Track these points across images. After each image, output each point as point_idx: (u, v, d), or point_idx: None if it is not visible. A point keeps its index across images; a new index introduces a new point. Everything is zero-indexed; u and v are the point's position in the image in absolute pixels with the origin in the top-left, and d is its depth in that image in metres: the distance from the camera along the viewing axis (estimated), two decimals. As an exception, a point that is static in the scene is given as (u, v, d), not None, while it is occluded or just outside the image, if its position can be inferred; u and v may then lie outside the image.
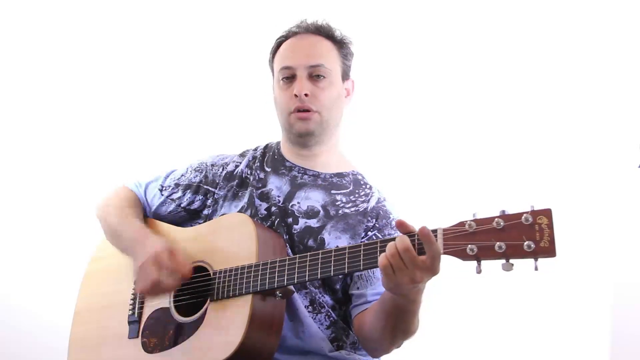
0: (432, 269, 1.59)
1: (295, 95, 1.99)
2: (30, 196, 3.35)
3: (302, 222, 1.99)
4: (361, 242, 1.94)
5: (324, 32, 2.06)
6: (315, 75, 2.01)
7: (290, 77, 2.02)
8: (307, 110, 1.99)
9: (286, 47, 2.07)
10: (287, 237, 1.98)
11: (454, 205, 2.89)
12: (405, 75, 3.25)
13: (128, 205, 2.14)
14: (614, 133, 3.05)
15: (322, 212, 2.00)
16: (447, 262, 1.60)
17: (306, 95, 1.98)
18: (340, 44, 2.08)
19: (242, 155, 2.18)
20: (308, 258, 1.78)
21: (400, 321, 1.77)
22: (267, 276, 1.80)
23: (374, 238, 1.96)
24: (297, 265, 1.78)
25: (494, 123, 3.18)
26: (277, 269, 1.80)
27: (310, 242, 1.96)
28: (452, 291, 2.86)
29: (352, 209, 2.01)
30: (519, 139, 3.14)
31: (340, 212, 2.00)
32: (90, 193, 2.40)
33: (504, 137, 3.16)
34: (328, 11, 2.17)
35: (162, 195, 2.17)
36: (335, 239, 1.96)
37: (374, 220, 1.99)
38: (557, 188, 3.02)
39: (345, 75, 2.08)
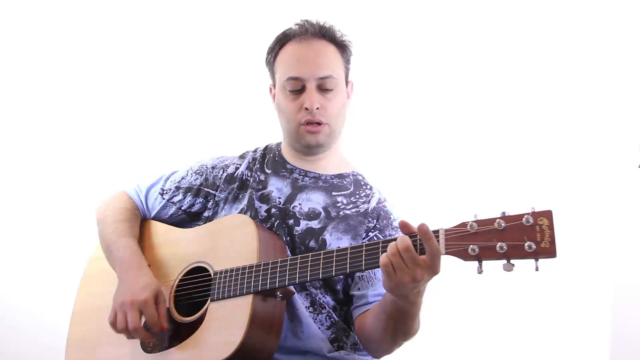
0: (432, 267, 1.59)
1: (306, 108, 1.97)
2: (30, 196, 3.35)
3: (304, 224, 1.99)
4: (362, 242, 1.95)
5: (327, 35, 2.03)
6: (324, 87, 1.99)
7: (299, 88, 1.99)
8: (318, 124, 1.98)
9: (292, 55, 2.02)
10: (289, 238, 1.98)
11: (455, 206, 2.89)
12: (407, 76, 3.25)
13: (124, 219, 2.12)
14: (614, 133, 3.05)
15: (323, 213, 2.00)
16: (449, 263, 1.60)
17: (317, 108, 1.97)
18: (343, 48, 2.05)
19: (242, 157, 2.18)
20: (310, 258, 1.77)
21: (401, 323, 1.77)
22: (268, 276, 1.80)
23: (375, 239, 1.96)
24: (298, 265, 1.78)
25: (494, 124, 3.18)
26: (278, 269, 1.80)
27: (312, 244, 1.96)
28: (454, 291, 2.86)
29: (353, 210, 2.01)
30: (520, 140, 3.14)
31: (341, 213, 2.00)
32: (90, 194, 2.40)
33: (504, 138, 3.16)
34: (326, 11, 2.16)
35: (164, 198, 2.16)
36: (336, 240, 1.96)
37: (375, 221, 1.99)
38: (557, 188, 3.02)
39: (346, 79, 2.07)
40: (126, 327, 1.87)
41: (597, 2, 3.13)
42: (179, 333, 1.89)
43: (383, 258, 1.61)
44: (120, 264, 2.00)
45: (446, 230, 1.57)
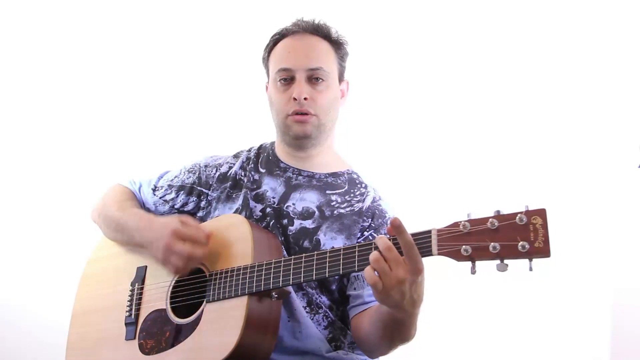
0: (412, 262, 1.55)
1: (294, 99, 1.97)
2: (30, 197, 3.36)
3: (297, 223, 1.98)
4: (357, 242, 1.94)
5: (321, 32, 2.05)
6: (314, 78, 2.00)
7: (288, 79, 2.01)
8: (306, 114, 1.98)
9: (284, 48, 2.05)
10: (283, 238, 1.97)
11: (448, 206, 2.89)
12: (401, 75, 3.25)
13: (126, 199, 2.14)
14: (614, 133, 3.04)
15: (317, 212, 1.99)
16: (444, 263, 1.59)
17: (305, 99, 1.97)
18: (337, 45, 2.07)
19: (236, 156, 2.18)
20: (303, 259, 1.76)
21: (397, 331, 1.76)
22: (263, 277, 1.79)
23: (370, 238, 1.95)
24: (292, 266, 1.77)
25: (490, 123, 3.17)
26: (272, 270, 1.79)
27: (306, 243, 1.95)
28: (452, 292, 2.86)
29: (348, 209, 2.00)
30: (517, 140, 3.13)
31: (335, 212, 1.99)
32: (89, 194, 2.41)
33: (501, 138, 3.15)
34: (323, 11, 2.16)
35: (155, 195, 2.17)
36: (330, 240, 1.95)
37: (370, 220, 1.98)
38: (557, 189, 3.01)
39: (340, 77, 2.08)
40: (183, 260, 1.85)
41: (597, 2, 3.12)
42: (176, 334, 1.89)
43: (367, 269, 1.59)
44: (135, 231, 1.99)
45: (438, 230, 1.56)
